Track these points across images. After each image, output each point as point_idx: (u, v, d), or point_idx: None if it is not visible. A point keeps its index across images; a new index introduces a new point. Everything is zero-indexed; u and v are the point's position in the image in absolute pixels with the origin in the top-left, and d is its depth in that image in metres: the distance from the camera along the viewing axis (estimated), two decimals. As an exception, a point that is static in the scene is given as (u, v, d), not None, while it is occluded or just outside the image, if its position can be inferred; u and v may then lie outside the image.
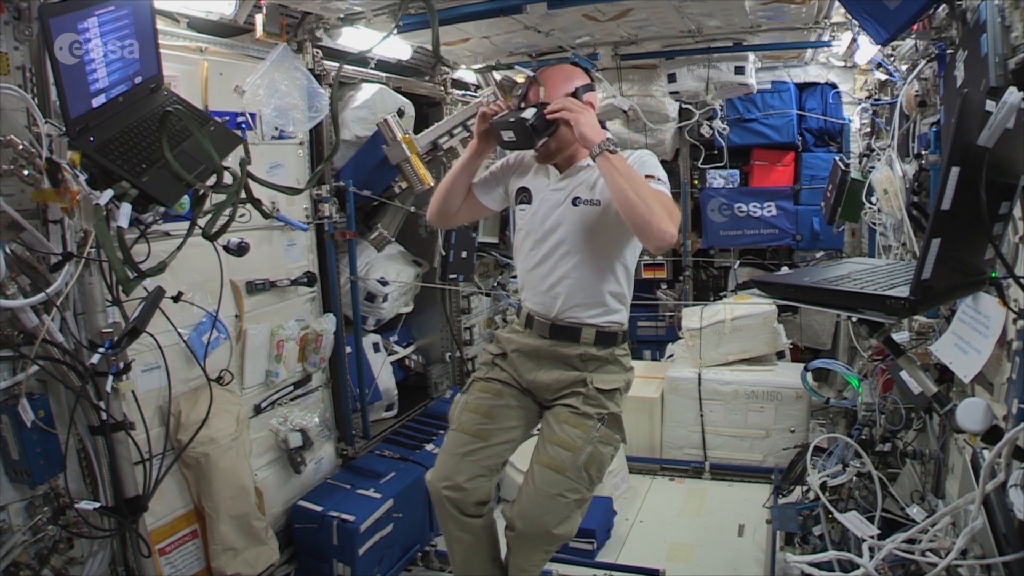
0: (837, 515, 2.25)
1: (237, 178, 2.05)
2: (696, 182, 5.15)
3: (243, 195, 2.12)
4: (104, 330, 1.87)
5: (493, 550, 1.98)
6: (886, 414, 2.68)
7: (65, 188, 1.68)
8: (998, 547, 1.34)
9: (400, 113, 3.30)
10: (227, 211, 2.02)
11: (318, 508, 2.70)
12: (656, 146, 4.83)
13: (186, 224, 2.00)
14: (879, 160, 3.20)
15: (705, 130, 4.75)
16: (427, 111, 3.88)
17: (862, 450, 2.51)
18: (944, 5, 2.06)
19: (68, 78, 1.65)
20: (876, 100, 3.84)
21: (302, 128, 2.79)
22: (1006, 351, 1.50)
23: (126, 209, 1.75)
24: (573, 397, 1.89)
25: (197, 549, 2.36)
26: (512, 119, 1.82)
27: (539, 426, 2.01)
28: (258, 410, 2.70)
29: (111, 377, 1.84)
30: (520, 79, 3.66)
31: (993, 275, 1.40)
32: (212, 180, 1.97)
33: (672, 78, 4.07)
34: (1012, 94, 1.16)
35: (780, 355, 4.12)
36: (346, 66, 2.87)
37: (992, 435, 1.31)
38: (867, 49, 3.26)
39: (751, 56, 3.95)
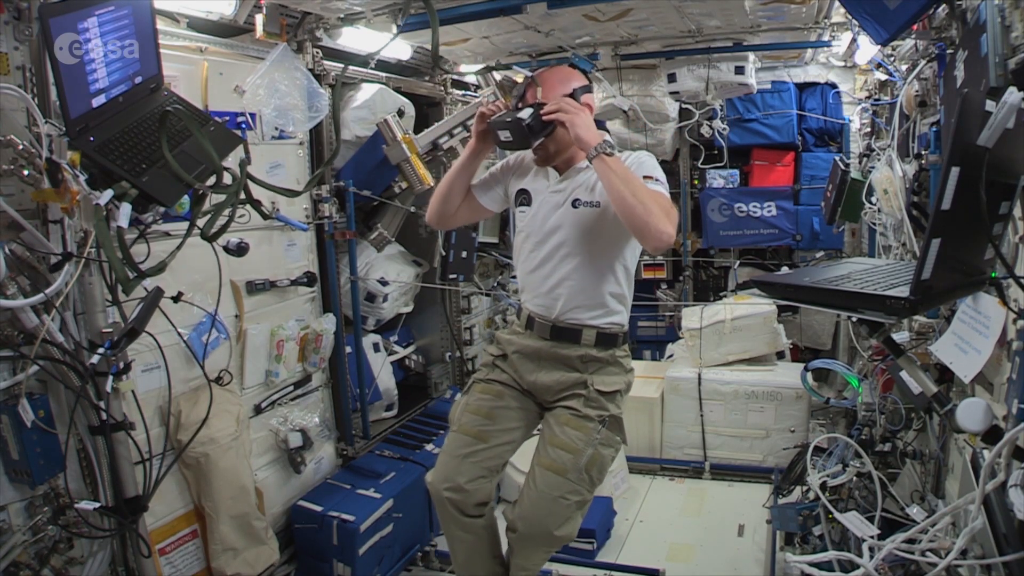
0: (837, 515, 2.25)
1: (237, 179, 2.05)
2: (696, 182, 5.14)
3: (242, 196, 2.12)
4: (104, 330, 1.87)
5: (494, 548, 2.00)
6: (886, 414, 2.68)
7: (65, 188, 1.68)
8: (998, 547, 1.34)
9: (400, 113, 3.30)
10: (226, 212, 2.02)
11: (318, 508, 2.70)
12: (656, 146, 4.83)
13: (186, 224, 2.00)
14: (879, 160, 3.20)
15: (705, 130, 4.74)
16: (427, 111, 3.89)
17: (862, 450, 2.51)
18: (944, 5, 2.06)
19: (68, 78, 1.66)
20: (876, 100, 3.83)
21: (302, 128, 2.79)
22: (1006, 351, 1.49)
23: (126, 209, 1.75)
24: (574, 399, 1.89)
25: (197, 549, 2.36)
26: (509, 119, 1.82)
27: (539, 427, 2.02)
28: (258, 410, 2.70)
29: (111, 377, 1.84)
30: (520, 79, 3.66)
31: (993, 275, 1.40)
32: (212, 180, 1.97)
33: (672, 78, 4.07)
34: (1012, 94, 1.16)
35: (780, 355, 4.12)
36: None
37: (992, 435, 1.31)
38: (867, 49, 3.25)
39: (751, 56, 3.94)
